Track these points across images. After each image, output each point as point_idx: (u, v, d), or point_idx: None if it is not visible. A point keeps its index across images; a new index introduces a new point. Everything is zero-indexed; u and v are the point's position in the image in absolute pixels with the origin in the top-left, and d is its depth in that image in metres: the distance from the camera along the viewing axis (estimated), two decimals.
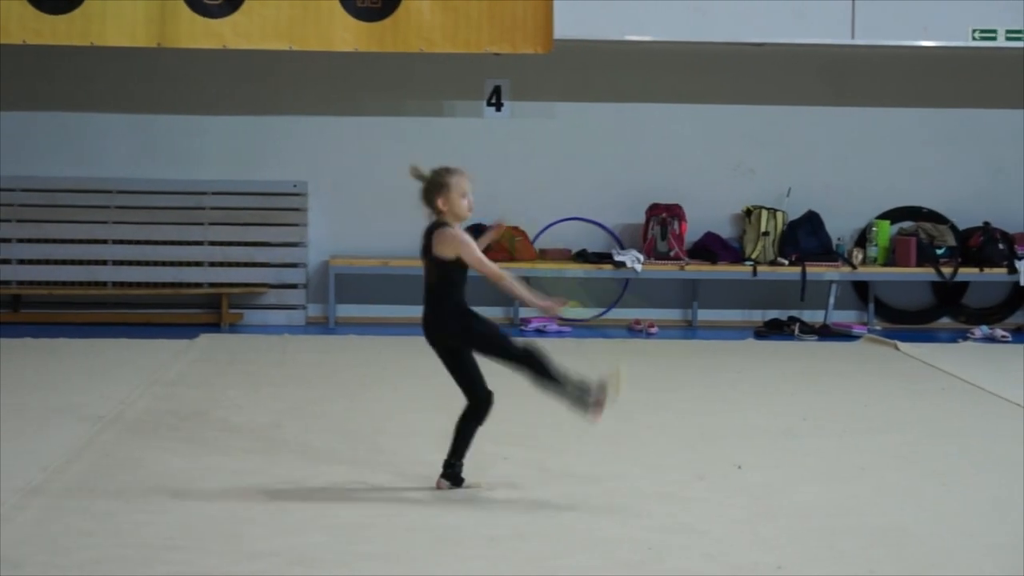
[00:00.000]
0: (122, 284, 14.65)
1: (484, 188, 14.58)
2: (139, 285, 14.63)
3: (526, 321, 14.64)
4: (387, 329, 14.24)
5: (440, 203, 7.51)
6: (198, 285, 14.71)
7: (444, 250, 7.50)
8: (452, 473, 7.67)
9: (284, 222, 14.95)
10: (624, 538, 6.79)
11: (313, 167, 15.05)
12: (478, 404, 7.59)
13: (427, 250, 7.58)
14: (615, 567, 6.33)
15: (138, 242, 14.76)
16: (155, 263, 14.73)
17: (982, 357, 13.07)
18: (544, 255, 14.86)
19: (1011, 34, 14.60)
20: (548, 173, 15.12)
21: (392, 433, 9.25)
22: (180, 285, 14.68)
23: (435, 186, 7.52)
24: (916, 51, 14.85)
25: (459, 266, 7.53)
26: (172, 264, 14.75)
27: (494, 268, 7.58)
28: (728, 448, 8.89)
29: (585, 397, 7.44)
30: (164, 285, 14.66)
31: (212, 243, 14.85)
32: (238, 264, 14.84)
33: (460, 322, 7.58)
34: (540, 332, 14.28)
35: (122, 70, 14.77)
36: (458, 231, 7.53)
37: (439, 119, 15.07)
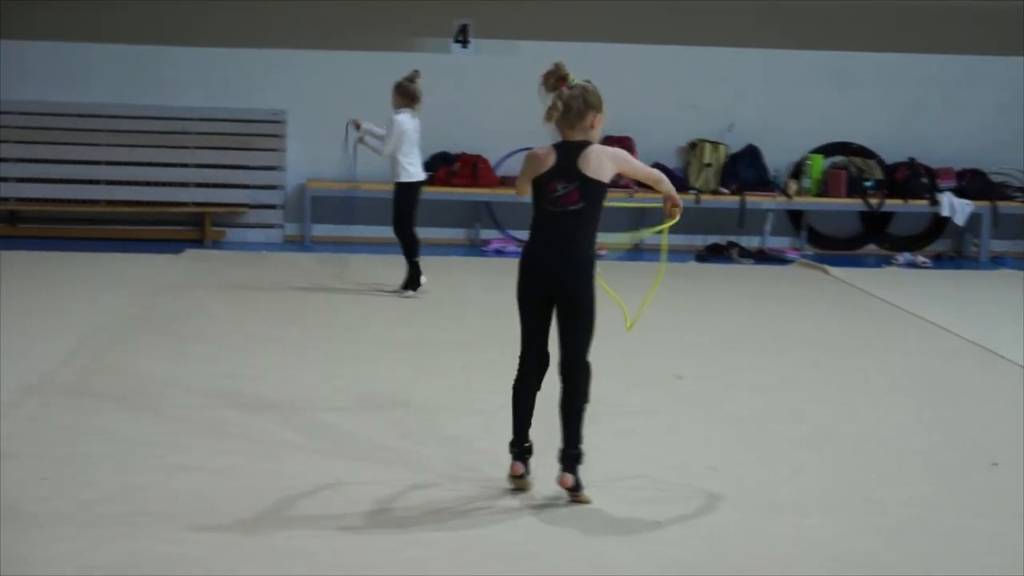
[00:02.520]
0: (113, 202, 14.54)
1: (450, 118, 14.78)
2: (129, 203, 14.54)
3: (486, 242, 14.61)
4: (358, 247, 14.21)
5: (594, 120, 5.87)
6: (183, 204, 14.62)
7: (605, 169, 5.79)
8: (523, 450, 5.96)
9: (264, 147, 14.89)
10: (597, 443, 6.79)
11: (292, 97, 14.94)
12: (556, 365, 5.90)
13: (570, 173, 5.78)
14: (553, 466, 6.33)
15: (129, 163, 14.68)
16: (144, 183, 14.65)
17: (904, 281, 13.11)
18: (504, 182, 14.79)
19: None
20: (510, 106, 14.99)
21: (360, 341, 9.22)
22: (167, 204, 14.59)
23: (594, 101, 5.90)
24: (831, 2, 14.83)
25: (604, 196, 5.85)
26: (159, 184, 14.67)
27: (651, 170, 6.17)
28: (670, 360, 8.90)
29: (573, 455, 5.82)
30: (152, 204, 14.56)
31: (197, 165, 14.77)
32: (220, 185, 14.78)
33: (589, 274, 5.83)
34: (499, 253, 14.26)
35: (114, 4, 14.60)
36: (624, 157, 5.92)
37: (409, 54, 14.92)
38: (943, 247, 15.30)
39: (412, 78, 11.13)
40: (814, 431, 7.19)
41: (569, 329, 5.81)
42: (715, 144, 14.96)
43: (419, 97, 11.03)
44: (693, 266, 13.92)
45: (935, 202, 14.72)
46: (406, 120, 11.01)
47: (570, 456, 5.77)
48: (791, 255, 14.56)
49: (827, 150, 15.16)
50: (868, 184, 14.79)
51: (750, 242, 14.86)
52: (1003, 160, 15.29)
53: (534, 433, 5.92)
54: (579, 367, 5.81)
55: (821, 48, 15.17)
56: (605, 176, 5.79)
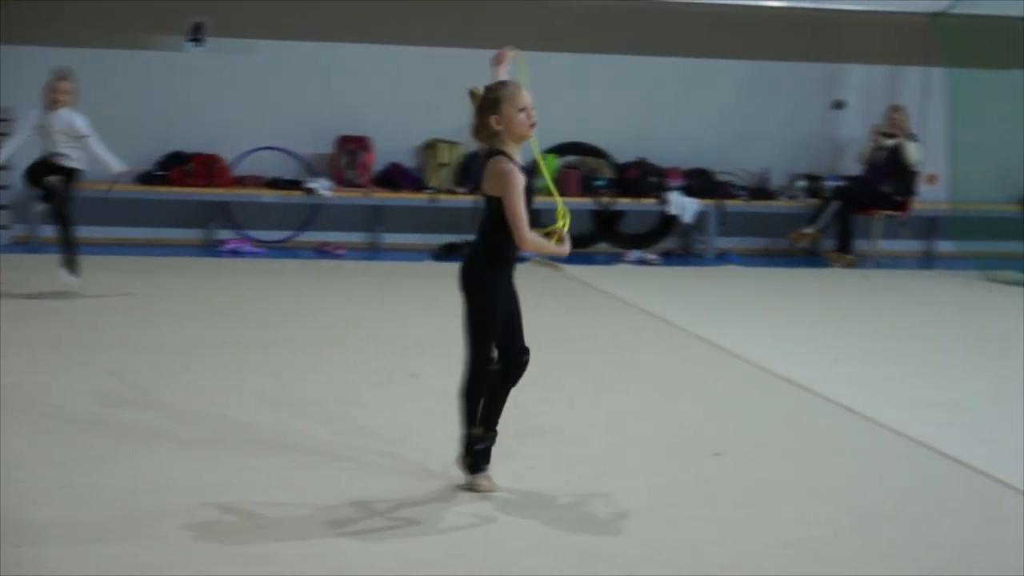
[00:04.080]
0: None
1: (185, 117, 14.53)
2: None
3: (222, 242, 14.40)
4: (90, 249, 13.82)
5: (494, 121, 5.83)
6: None
7: (489, 184, 5.86)
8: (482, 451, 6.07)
9: None
10: (307, 438, 6.74)
11: (19, 95, 14.42)
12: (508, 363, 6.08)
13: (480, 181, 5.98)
14: (298, 468, 6.28)
15: None
16: None
17: (634, 278, 13.38)
18: (240, 181, 14.60)
19: None
20: (246, 105, 14.84)
21: (85, 344, 9.00)
22: None
23: (487, 103, 5.86)
24: (588, 4, 15.07)
25: (501, 209, 5.83)
26: None
27: (526, 231, 5.84)
28: (406, 357, 8.90)
29: (468, 459, 6.03)
30: None
31: None
32: None
33: (475, 277, 5.99)
34: (235, 253, 14.07)
35: None
36: (511, 168, 5.81)
37: (144, 52, 14.62)
38: (672, 244, 15.66)
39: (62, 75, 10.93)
40: (545, 425, 7.27)
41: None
42: (451, 144, 15.03)
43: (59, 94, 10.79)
44: (430, 265, 13.95)
45: (664, 201, 15.06)
46: (37, 116, 10.86)
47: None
48: (526, 253, 14.66)
49: (560, 150, 15.36)
50: (599, 183, 15.06)
51: None
52: (728, 160, 15.73)
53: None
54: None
55: (554, 50, 15.35)
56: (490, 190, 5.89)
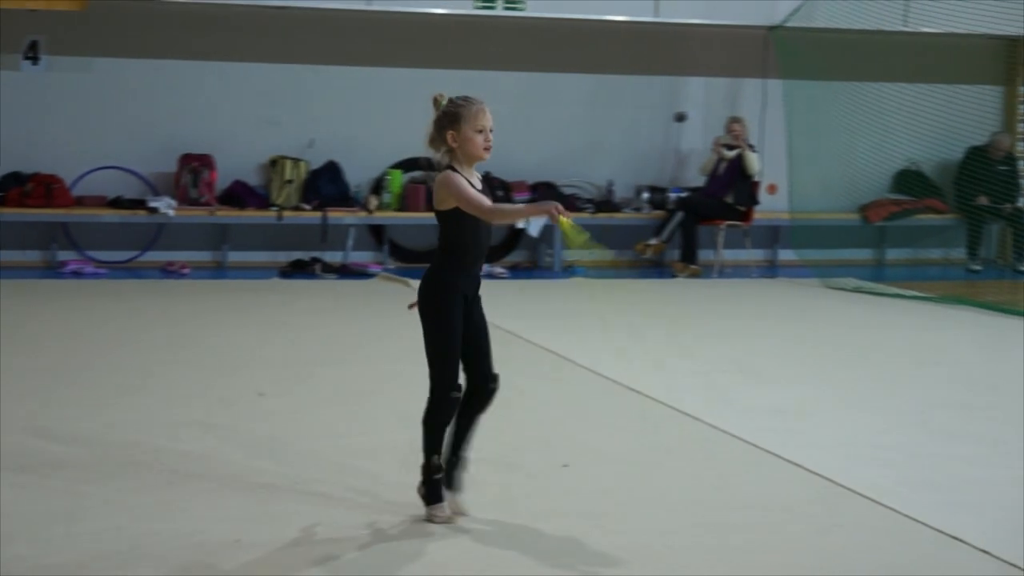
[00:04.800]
0: None
1: (22, 137, 14.24)
2: None
3: (63, 264, 14.14)
4: None
5: (450, 138, 5.69)
6: None
7: (438, 198, 5.75)
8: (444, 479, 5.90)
9: None
10: (150, 463, 6.63)
11: None
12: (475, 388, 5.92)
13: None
14: (140, 491, 6.18)
15: None
16: None
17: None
18: (81, 202, 14.34)
19: (508, 5, 15.09)
20: (85, 124, 14.60)
21: None
22: None
23: (446, 117, 5.72)
24: (428, 17, 15.10)
25: (454, 219, 5.73)
26: None
27: (486, 204, 5.70)
28: (251, 377, 8.80)
29: (425, 488, 5.85)
30: None
31: None
32: None
33: (431, 297, 5.78)
34: (77, 275, 13.82)
35: None
36: (453, 174, 5.69)
37: None
38: (520, 258, 15.72)
39: None
40: (385, 443, 7.20)
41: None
42: (296, 160, 14.93)
43: None
44: (277, 282, 13.84)
45: None
46: None
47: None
48: (373, 269, 14.67)
49: (406, 165, 15.35)
50: None
51: (333, 257, 14.89)
52: (573, 173, 15.85)
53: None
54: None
55: (398, 64, 15.35)
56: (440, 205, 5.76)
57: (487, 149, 5.73)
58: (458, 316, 5.78)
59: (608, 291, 13.73)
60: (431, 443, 5.81)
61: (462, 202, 5.65)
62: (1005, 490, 6.60)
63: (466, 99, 5.78)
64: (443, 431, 5.82)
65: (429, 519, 5.79)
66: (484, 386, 5.89)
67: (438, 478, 5.83)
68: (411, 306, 5.84)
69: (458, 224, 5.73)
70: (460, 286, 5.79)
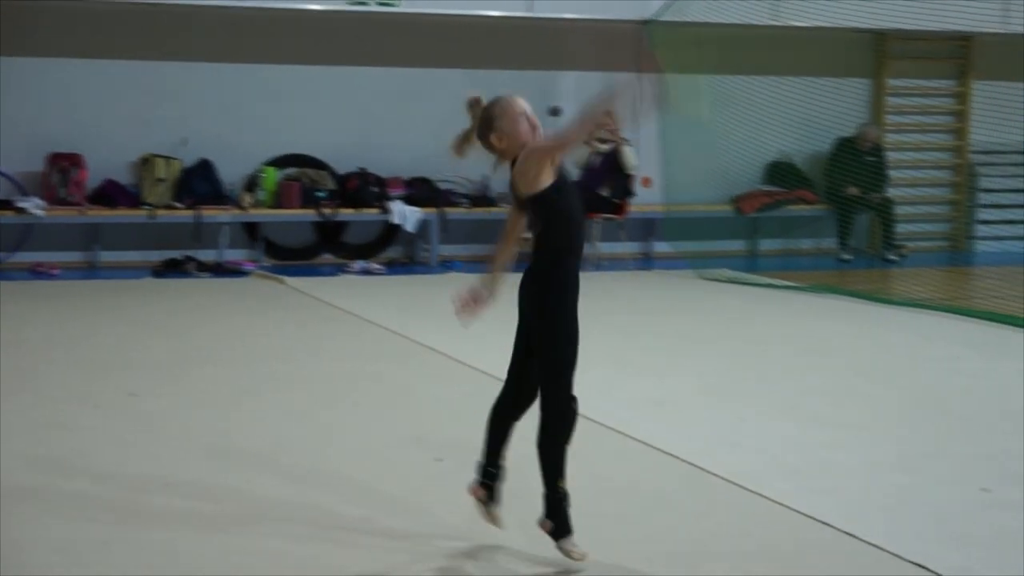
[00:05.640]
0: None
1: None
2: None
3: None
4: None
5: (495, 140, 5.39)
6: None
7: (520, 183, 5.33)
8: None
9: None
10: (11, 468, 6.54)
11: None
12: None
13: (514, 196, 5.43)
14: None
15: None
16: None
17: (359, 288, 13.37)
18: None
19: (381, 1, 15.10)
20: None
21: None
22: None
23: (483, 126, 5.44)
24: (302, 13, 15.02)
25: (550, 199, 5.32)
26: None
27: (565, 133, 5.48)
28: (123, 378, 8.70)
29: (556, 518, 5.32)
30: None
31: None
32: None
33: (542, 285, 5.38)
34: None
35: None
36: (531, 148, 5.29)
37: None
38: (396, 253, 15.68)
39: None
40: (272, 441, 7.19)
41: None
42: (168, 159, 14.77)
43: None
44: (150, 282, 13.67)
45: (386, 210, 15.08)
46: None
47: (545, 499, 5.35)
48: (248, 267, 14.55)
49: (280, 162, 15.25)
50: (320, 195, 14.99)
51: (207, 255, 14.73)
52: (448, 168, 15.81)
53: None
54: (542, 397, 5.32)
55: (271, 61, 15.24)
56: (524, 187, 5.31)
57: (534, 128, 5.35)
58: (574, 300, 5.35)
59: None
60: (557, 467, 5.29)
61: (557, 148, 5.28)
62: (867, 474, 6.76)
63: (494, 100, 5.45)
64: (565, 450, 5.31)
65: (567, 555, 5.28)
66: (535, 391, 5.37)
67: (567, 505, 5.32)
68: (470, 305, 5.47)
69: (555, 205, 5.30)
70: (576, 278, 5.36)
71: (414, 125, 15.70)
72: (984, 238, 17.40)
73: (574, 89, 16.27)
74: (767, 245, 16.81)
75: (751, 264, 15.84)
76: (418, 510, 6.02)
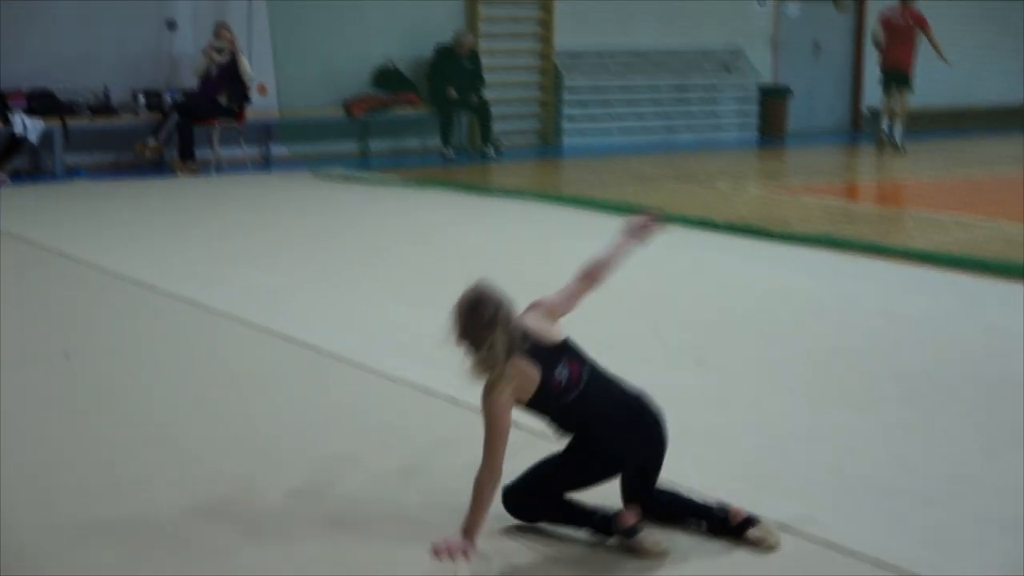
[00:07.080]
0: None
1: None
2: None
3: None
4: None
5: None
6: None
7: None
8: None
9: None
10: None
11: None
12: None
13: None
14: None
15: None
16: None
17: None
18: None
19: None
20: None
21: None
22: None
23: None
24: None
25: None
26: None
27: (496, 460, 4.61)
28: None
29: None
30: None
31: None
32: None
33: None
34: None
35: None
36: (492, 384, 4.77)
37: None
38: (21, 164, 15.52)
39: None
40: None
41: None
42: None
43: None
44: None
45: (8, 122, 14.93)
46: None
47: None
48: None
49: None
50: None
51: None
52: (70, 80, 15.65)
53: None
54: None
55: None
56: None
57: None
58: None
59: (111, 192, 13.94)
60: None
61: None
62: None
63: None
64: None
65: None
66: None
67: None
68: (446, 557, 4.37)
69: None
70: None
71: (39, 36, 15.49)
72: (570, 133, 18.57)
73: (190, 3, 16.39)
74: (377, 145, 17.41)
75: (364, 163, 16.45)
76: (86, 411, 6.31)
